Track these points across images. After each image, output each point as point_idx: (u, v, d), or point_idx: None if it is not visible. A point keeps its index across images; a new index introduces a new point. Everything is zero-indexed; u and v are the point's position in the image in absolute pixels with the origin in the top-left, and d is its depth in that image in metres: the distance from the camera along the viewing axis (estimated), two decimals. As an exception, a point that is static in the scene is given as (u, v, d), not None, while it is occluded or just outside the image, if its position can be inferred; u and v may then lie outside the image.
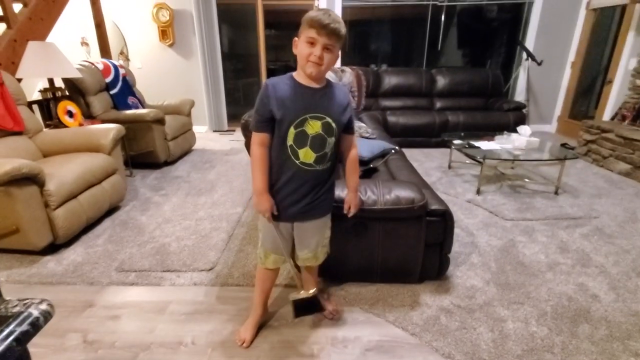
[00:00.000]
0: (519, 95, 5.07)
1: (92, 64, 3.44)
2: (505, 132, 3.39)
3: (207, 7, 4.67)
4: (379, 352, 1.38)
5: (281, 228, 1.29)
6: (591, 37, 4.63)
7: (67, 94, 3.24)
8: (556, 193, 2.87)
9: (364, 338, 1.44)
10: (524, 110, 4.37)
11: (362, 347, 1.39)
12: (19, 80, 2.64)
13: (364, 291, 1.70)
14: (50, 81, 3.06)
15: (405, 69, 4.80)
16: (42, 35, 3.07)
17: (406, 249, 1.64)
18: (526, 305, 1.62)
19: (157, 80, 4.96)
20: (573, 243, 2.14)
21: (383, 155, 2.30)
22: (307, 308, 1.43)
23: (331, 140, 1.19)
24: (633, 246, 2.11)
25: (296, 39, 1.14)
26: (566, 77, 4.94)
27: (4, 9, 2.73)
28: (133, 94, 3.80)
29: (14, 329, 0.45)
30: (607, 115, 4.22)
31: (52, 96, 3.03)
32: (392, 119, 4.23)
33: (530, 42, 4.85)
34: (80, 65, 3.31)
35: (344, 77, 3.27)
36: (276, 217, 1.26)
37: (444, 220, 1.62)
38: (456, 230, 2.06)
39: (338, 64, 4.40)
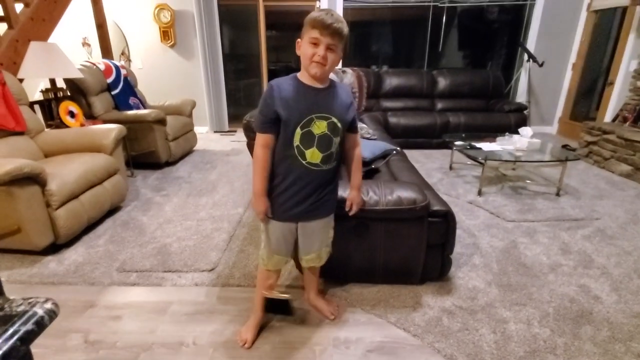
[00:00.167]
0: (520, 97, 5.07)
1: (94, 64, 3.45)
2: (507, 133, 3.39)
3: (209, 7, 4.67)
4: (380, 353, 1.37)
5: (285, 228, 1.29)
6: (592, 39, 4.63)
7: (69, 94, 3.24)
8: (557, 194, 2.87)
9: (366, 339, 1.44)
10: (525, 112, 4.37)
11: (364, 348, 1.39)
12: (21, 80, 2.64)
13: (366, 292, 1.70)
14: (52, 81, 3.07)
15: (406, 70, 4.80)
16: (44, 35, 3.07)
17: (408, 250, 1.64)
18: (528, 306, 1.61)
19: (159, 81, 4.96)
20: (575, 244, 2.14)
21: (384, 156, 2.30)
22: (276, 308, 1.48)
23: (337, 140, 1.20)
24: (635, 247, 2.11)
25: (299, 40, 1.14)
26: (567, 79, 4.94)
27: (6, 9, 2.73)
28: (134, 95, 3.81)
29: (19, 328, 0.45)
30: (608, 116, 4.22)
31: (53, 96, 3.03)
32: (393, 120, 4.23)
33: (531, 44, 4.85)
34: (82, 65, 3.32)
35: (345, 78, 3.27)
36: (281, 218, 1.26)
37: (445, 221, 1.62)
38: (458, 232, 2.04)
39: (339, 64, 4.41)
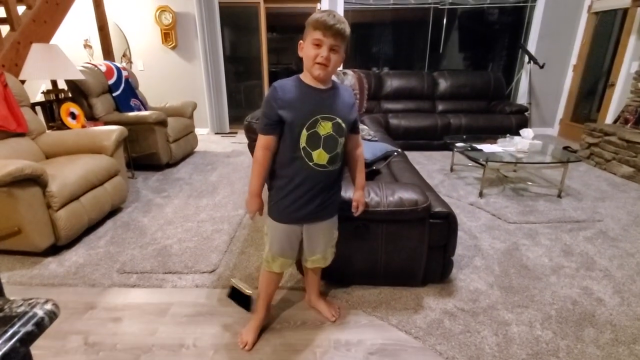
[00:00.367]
0: (521, 98, 5.06)
1: (95, 66, 3.45)
2: (508, 135, 3.39)
3: (210, 9, 4.69)
4: (382, 355, 1.36)
5: (290, 231, 1.29)
6: (593, 41, 4.63)
7: (70, 95, 3.25)
8: (559, 196, 2.86)
9: (367, 341, 1.43)
10: (526, 113, 4.37)
11: (365, 351, 1.38)
12: (23, 82, 2.64)
13: (367, 294, 1.69)
14: (54, 83, 3.07)
15: (407, 72, 4.80)
16: (45, 37, 3.08)
17: (409, 252, 1.63)
18: (530, 308, 1.60)
19: (160, 83, 4.97)
20: (577, 246, 2.13)
21: (385, 157, 2.29)
22: (237, 299, 1.59)
23: (342, 140, 1.20)
24: (637, 249, 2.10)
25: (301, 42, 1.14)
26: (568, 80, 4.94)
27: (8, 11, 2.74)
28: (135, 96, 3.81)
29: (19, 329, 0.44)
30: (609, 118, 4.21)
31: (55, 98, 3.04)
32: (394, 121, 4.23)
33: (532, 45, 4.85)
34: (83, 67, 3.33)
35: (345, 80, 3.27)
36: (286, 220, 1.26)
37: (447, 223, 1.61)
38: (459, 233, 2.04)
39: (340, 67, 4.41)
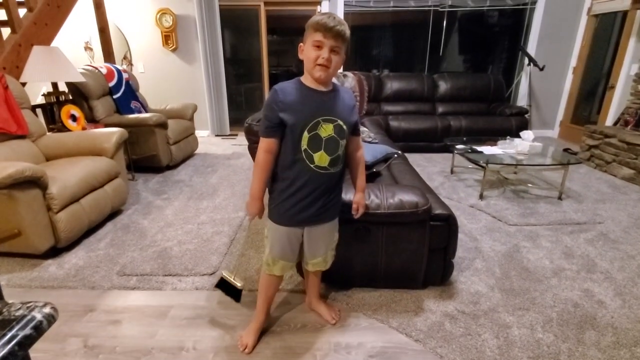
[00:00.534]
0: (521, 101, 5.07)
1: (96, 68, 3.46)
2: (508, 137, 3.38)
3: (210, 12, 4.70)
4: (382, 358, 1.36)
5: (291, 233, 1.29)
6: (593, 43, 4.64)
7: (71, 98, 3.25)
8: (560, 198, 2.86)
9: (368, 344, 1.42)
10: (526, 116, 4.37)
11: (365, 354, 1.38)
12: (23, 84, 2.65)
13: (367, 296, 1.68)
14: (54, 85, 3.08)
15: (407, 74, 4.81)
16: (46, 39, 3.09)
17: (410, 254, 1.63)
18: (531, 311, 1.60)
19: (160, 85, 4.98)
20: (578, 248, 2.12)
21: (386, 159, 2.29)
22: (227, 290, 1.52)
23: (343, 143, 1.20)
24: (638, 252, 2.09)
25: (301, 44, 1.14)
26: (568, 83, 4.94)
27: (9, 14, 2.75)
28: (136, 98, 3.82)
29: (17, 332, 0.44)
30: (609, 120, 4.21)
31: (55, 100, 3.04)
32: (394, 123, 4.23)
33: (531, 48, 4.86)
34: (84, 69, 3.34)
35: (346, 82, 3.27)
36: (287, 223, 1.26)
37: (447, 225, 1.61)
38: (459, 235, 2.04)
39: (340, 69, 4.42)
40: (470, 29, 5.11)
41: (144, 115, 3.39)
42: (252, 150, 1.98)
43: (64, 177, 2.04)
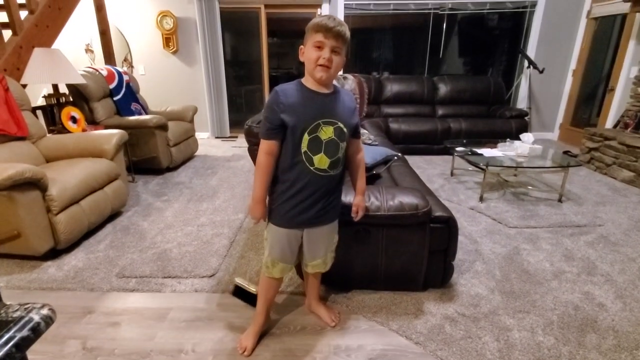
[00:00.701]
0: (521, 103, 5.07)
1: (97, 70, 3.47)
2: (508, 139, 3.39)
3: (211, 14, 4.71)
4: (382, 361, 1.35)
5: (291, 235, 1.28)
6: (592, 46, 4.65)
7: (71, 99, 3.26)
8: (560, 200, 2.85)
9: (367, 347, 1.42)
10: (526, 118, 4.37)
11: (365, 356, 1.37)
12: (24, 86, 2.66)
13: (367, 299, 1.68)
14: (55, 87, 3.08)
15: (407, 77, 4.82)
16: (47, 41, 3.10)
17: (410, 256, 1.62)
18: (532, 314, 1.59)
19: (161, 87, 4.99)
20: (578, 251, 2.12)
21: (385, 161, 2.29)
22: (242, 296, 1.64)
23: (343, 145, 1.20)
24: (639, 254, 2.09)
25: (302, 46, 1.15)
26: (568, 85, 4.95)
27: (11, 16, 2.76)
28: (136, 100, 3.82)
29: (14, 334, 0.44)
30: (609, 123, 4.21)
31: (56, 102, 3.05)
32: (394, 126, 4.23)
33: (531, 50, 4.87)
34: (85, 71, 3.34)
35: (346, 84, 3.28)
36: (287, 225, 1.26)
37: (447, 227, 1.61)
38: (460, 238, 2.04)
39: (340, 71, 4.44)
40: (470, 32, 5.13)
41: (144, 117, 3.40)
42: (252, 152, 1.97)
43: (64, 178, 2.04)
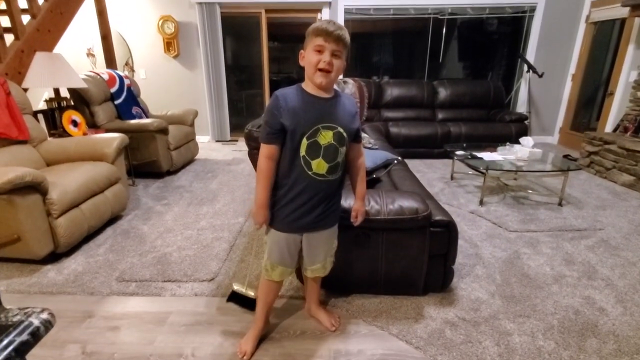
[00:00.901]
0: (521, 107, 5.09)
1: (98, 74, 3.48)
2: (508, 143, 3.39)
3: (212, 19, 4.74)
4: (382, 365, 1.35)
5: (290, 240, 1.28)
6: (591, 50, 4.67)
7: (72, 103, 3.27)
8: (560, 204, 2.85)
9: (368, 351, 1.41)
10: (525, 122, 4.38)
11: (365, 361, 1.37)
12: (25, 90, 2.67)
13: (367, 303, 1.67)
14: (56, 91, 3.10)
15: (407, 81, 4.84)
16: (49, 46, 3.11)
17: (410, 260, 1.62)
18: (532, 318, 1.59)
19: (162, 91, 5.01)
20: (578, 255, 2.12)
21: (386, 165, 2.29)
22: (240, 301, 1.62)
23: (342, 150, 1.20)
24: (639, 258, 2.08)
25: (302, 51, 1.15)
26: (567, 89, 4.97)
27: (13, 21, 2.78)
28: (137, 104, 3.84)
29: (14, 338, 0.44)
30: (609, 127, 4.22)
31: (57, 106, 3.06)
32: (394, 130, 4.24)
33: (531, 55, 4.89)
34: (86, 75, 3.36)
35: (346, 89, 3.29)
36: (286, 229, 1.26)
37: (447, 231, 1.61)
38: (460, 242, 2.04)
39: (341, 75, 4.45)
40: (469, 37, 5.15)
41: (144, 120, 3.41)
42: (252, 156, 1.98)
43: (64, 182, 2.04)
